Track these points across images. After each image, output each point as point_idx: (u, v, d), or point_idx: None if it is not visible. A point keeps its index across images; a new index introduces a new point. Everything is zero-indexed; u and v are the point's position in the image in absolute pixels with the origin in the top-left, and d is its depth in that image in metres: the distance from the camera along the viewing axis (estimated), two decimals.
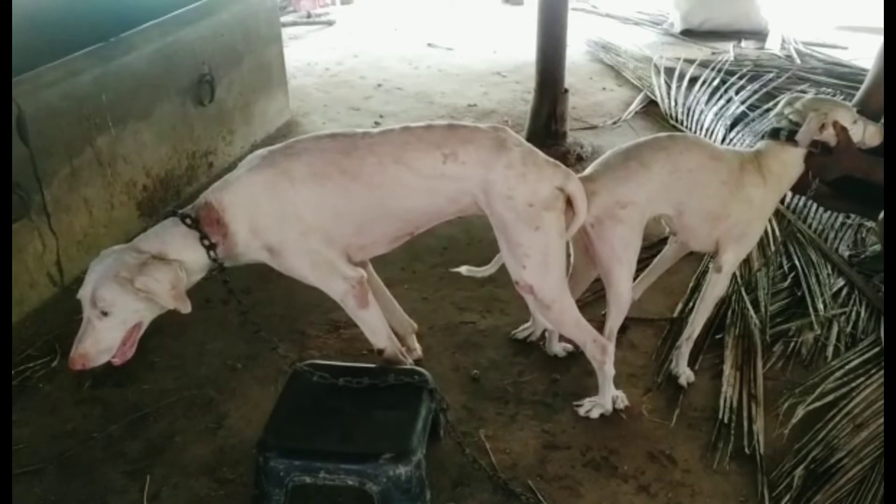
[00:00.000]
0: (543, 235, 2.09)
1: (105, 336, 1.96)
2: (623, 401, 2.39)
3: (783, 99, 2.54)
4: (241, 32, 4.10)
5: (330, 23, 7.08)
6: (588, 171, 2.32)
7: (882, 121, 2.61)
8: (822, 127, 2.33)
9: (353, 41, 6.57)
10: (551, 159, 2.16)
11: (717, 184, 2.30)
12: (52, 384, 2.53)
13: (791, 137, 2.35)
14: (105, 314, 1.93)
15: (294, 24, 6.93)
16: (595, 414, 2.36)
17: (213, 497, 2.11)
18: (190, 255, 2.02)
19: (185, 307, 1.99)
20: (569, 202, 2.13)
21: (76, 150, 2.97)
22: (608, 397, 2.36)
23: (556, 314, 2.23)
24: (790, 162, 2.38)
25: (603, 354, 2.30)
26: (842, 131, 2.34)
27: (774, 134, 2.39)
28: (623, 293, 2.32)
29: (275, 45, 4.49)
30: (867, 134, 2.42)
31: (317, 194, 2.05)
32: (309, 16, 7.19)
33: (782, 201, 3.48)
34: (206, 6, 3.84)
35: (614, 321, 2.36)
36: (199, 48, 3.72)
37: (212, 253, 2.03)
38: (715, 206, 2.33)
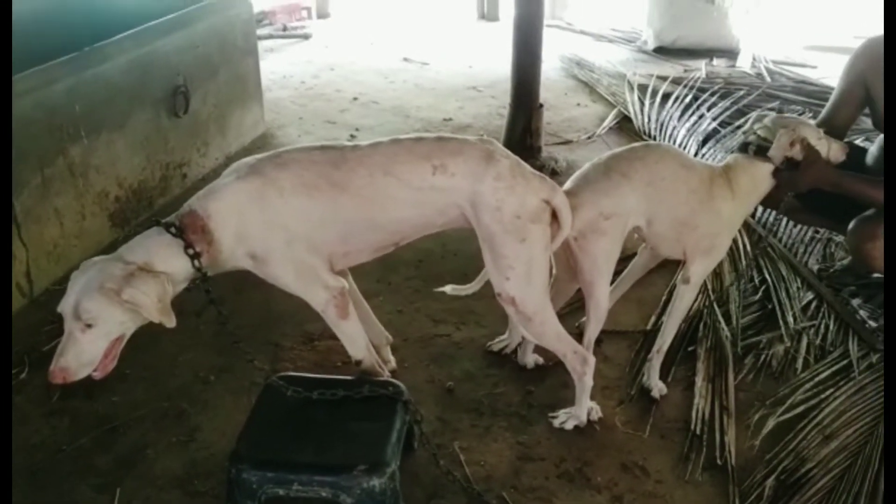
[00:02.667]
0: (529, 248, 2.11)
1: (87, 349, 1.92)
2: (597, 412, 2.40)
3: (752, 117, 2.59)
4: (217, 44, 4.09)
5: (306, 36, 7.08)
6: (569, 184, 2.34)
7: (845, 139, 2.68)
8: (792, 143, 2.38)
9: (329, 55, 6.58)
10: (538, 172, 2.18)
11: (687, 192, 2.34)
12: (21, 396, 2.49)
13: (759, 152, 2.39)
14: (89, 326, 1.90)
15: (270, 37, 6.92)
16: (570, 425, 2.37)
17: None
18: (175, 265, 2.01)
19: (171, 321, 1.97)
20: (554, 215, 2.15)
21: (48, 159, 2.94)
22: (584, 409, 2.37)
23: (537, 326, 2.24)
24: (759, 177, 2.43)
25: (583, 366, 2.31)
26: (808, 147, 2.40)
27: (743, 148, 2.44)
28: (602, 304, 2.35)
29: (250, 58, 4.48)
30: (832, 151, 2.48)
31: (305, 204, 2.05)
32: (285, 29, 7.19)
33: (753, 216, 3.55)
34: (181, 17, 3.82)
35: (593, 331, 2.38)
36: (175, 59, 3.71)
37: (196, 262, 2.02)
38: (683, 214, 2.36)
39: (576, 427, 2.37)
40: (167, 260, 1.99)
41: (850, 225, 2.76)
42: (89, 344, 1.92)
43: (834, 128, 2.63)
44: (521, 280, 2.14)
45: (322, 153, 2.12)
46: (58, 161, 3.00)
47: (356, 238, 2.15)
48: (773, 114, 2.56)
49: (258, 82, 4.60)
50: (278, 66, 6.16)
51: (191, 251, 2.01)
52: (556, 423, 2.39)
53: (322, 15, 7.79)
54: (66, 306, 1.91)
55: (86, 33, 3.30)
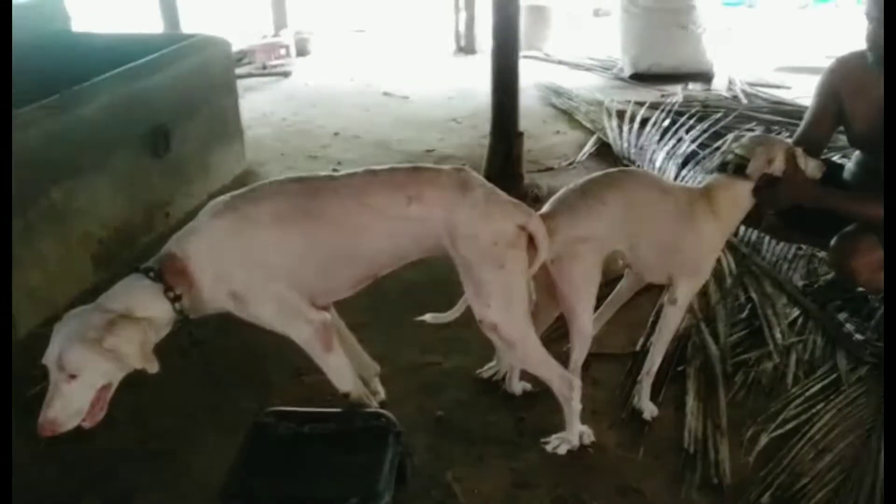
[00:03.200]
0: (507, 274, 2.10)
1: (74, 399, 1.90)
2: (589, 436, 2.39)
3: (730, 138, 2.62)
4: (197, 83, 4.10)
5: (286, 74, 7.14)
6: (545, 208, 2.34)
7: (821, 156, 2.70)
8: (769, 161, 2.40)
9: (309, 91, 6.62)
10: (513, 199, 2.19)
11: (666, 217, 2.35)
12: None
13: (738, 171, 2.42)
14: (73, 377, 1.88)
15: (250, 75, 6.96)
16: (563, 450, 2.36)
17: None
18: (156, 309, 1.99)
19: (153, 367, 1.96)
20: (531, 240, 2.15)
21: (29, 203, 2.93)
22: (575, 432, 2.36)
23: (521, 352, 2.23)
24: (739, 196, 2.44)
25: (570, 390, 2.30)
26: (789, 163, 2.42)
27: (722, 168, 2.47)
28: (585, 328, 2.34)
29: (230, 96, 4.50)
30: (809, 169, 2.50)
31: (281, 237, 2.04)
32: (265, 67, 7.24)
33: (736, 235, 3.57)
34: (160, 58, 3.84)
35: (578, 355, 2.37)
36: (155, 99, 3.72)
37: (177, 305, 2.00)
38: (665, 238, 2.38)
39: (569, 451, 2.36)
40: (148, 305, 1.98)
41: (832, 242, 2.77)
42: (75, 394, 1.90)
43: (810, 145, 2.66)
44: (503, 306, 2.13)
45: (297, 184, 2.12)
46: (40, 204, 2.98)
47: (334, 272, 2.14)
48: (748, 134, 2.59)
49: (238, 120, 4.62)
50: (258, 103, 6.18)
51: (171, 294, 2.00)
52: (549, 448, 2.37)
53: (302, 52, 7.85)
54: (49, 358, 1.90)
55: (63, 76, 3.31)
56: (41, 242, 2.99)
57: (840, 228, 2.72)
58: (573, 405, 2.32)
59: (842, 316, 2.98)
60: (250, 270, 2.04)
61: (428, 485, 2.09)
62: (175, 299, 2.00)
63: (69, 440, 2.43)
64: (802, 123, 2.87)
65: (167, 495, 2.25)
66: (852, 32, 2.68)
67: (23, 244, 2.90)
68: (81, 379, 1.89)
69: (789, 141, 2.62)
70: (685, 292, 2.46)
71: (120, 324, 1.91)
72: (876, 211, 2.29)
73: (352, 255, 2.11)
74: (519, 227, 2.11)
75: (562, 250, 2.24)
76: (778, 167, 2.42)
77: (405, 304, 3.19)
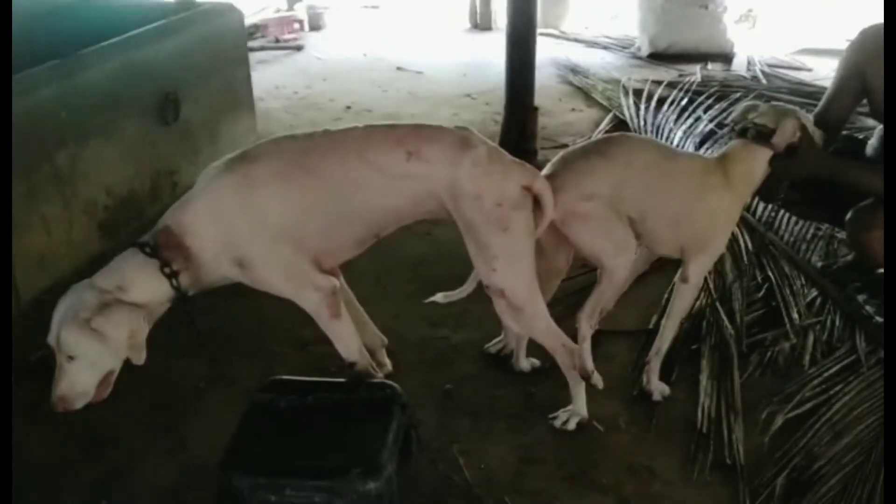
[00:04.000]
0: (513, 236, 2.04)
1: (78, 380, 1.88)
2: (599, 382, 2.35)
3: (740, 106, 2.53)
4: (208, 52, 4.03)
5: (298, 48, 7.05)
6: (548, 169, 2.28)
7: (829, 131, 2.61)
8: (795, 131, 2.33)
9: (322, 66, 6.54)
10: (517, 159, 2.12)
11: (674, 185, 2.29)
12: None
13: (759, 137, 2.33)
14: (71, 358, 1.85)
15: (262, 48, 6.88)
16: (572, 424, 2.30)
17: None
18: (152, 287, 1.95)
19: (140, 358, 1.92)
20: (536, 202, 2.08)
21: (34, 166, 2.88)
22: (582, 404, 2.31)
23: (527, 318, 2.16)
24: (755, 165, 2.36)
25: (572, 359, 2.24)
26: (804, 134, 2.35)
27: (742, 133, 2.38)
28: (617, 273, 2.28)
29: (242, 67, 4.42)
30: (815, 136, 2.43)
31: (281, 195, 1.98)
32: (277, 41, 7.16)
33: (754, 214, 3.50)
34: (171, 25, 3.78)
35: (599, 297, 2.33)
36: (164, 66, 3.65)
37: (174, 281, 1.95)
38: (676, 208, 2.31)
39: (579, 428, 2.30)
40: (143, 283, 1.94)
41: (848, 215, 2.69)
42: (78, 375, 1.88)
43: (829, 120, 2.58)
44: (509, 270, 2.07)
45: (292, 141, 2.07)
46: (44, 168, 2.93)
47: (336, 231, 2.08)
48: (759, 102, 2.50)
49: (249, 91, 4.54)
50: (270, 77, 6.11)
51: (167, 270, 1.94)
52: (558, 423, 2.32)
53: (315, 27, 7.76)
54: (51, 338, 1.87)
55: (73, 40, 3.25)
56: (45, 206, 2.94)
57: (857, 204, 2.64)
58: (575, 375, 2.27)
59: (861, 297, 2.89)
60: (253, 234, 1.98)
61: (434, 458, 2.04)
62: (172, 275, 1.94)
63: None
64: (824, 98, 2.79)
65: (167, 465, 2.21)
66: (875, 17, 2.59)
67: (26, 207, 2.85)
68: (79, 361, 1.86)
69: (802, 111, 2.52)
70: (697, 269, 2.39)
71: (115, 307, 1.87)
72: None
73: (352, 213, 2.05)
74: (524, 188, 2.05)
75: (568, 210, 2.18)
76: (797, 137, 2.34)
77: (414, 277, 3.15)
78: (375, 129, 2.07)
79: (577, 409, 2.31)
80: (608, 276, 2.28)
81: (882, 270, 2.84)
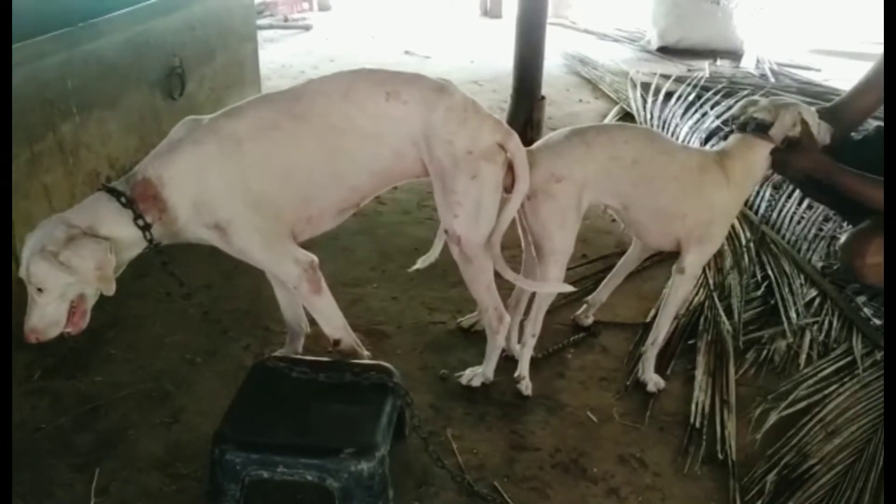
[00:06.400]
0: (479, 185, 2.08)
1: (48, 311, 1.91)
2: (528, 388, 2.38)
3: (742, 101, 2.52)
4: (216, 27, 4.01)
5: (307, 28, 7.03)
6: (533, 146, 2.30)
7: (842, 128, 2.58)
8: (794, 124, 2.32)
9: (329, 46, 6.52)
10: (495, 116, 2.17)
11: (666, 179, 2.28)
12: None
13: (759, 130, 2.32)
14: (40, 290, 1.87)
15: (270, 27, 6.86)
16: (477, 382, 2.40)
17: (164, 492, 2.02)
18: (122, 233, 1.95)
19: (109, 289, 1.93)
20: (511, 168, 2.12)
21: (37, 135, 2.86)
22: (491, 368, 2.39)
23: (474, 270, 2.22)
24: (755, 159, 2.35)
25: (499, 323, 2.31)
26: (805, 130, 2.34)
27: (742, 127, 2.37)
28: (548, 275, 2.28)
29: (249, 44, 4.41)
30: (820, 132, 2.41)
31: (265, 149, 2.00)
32: (286, 20, 7.14)
33: (756, 212, 3.49)
34: None
35: (526, 287, 2.37)
36: (171, 40, 3.63)
37: (147, 234, 1.95)
38: (666, 203, 2.30)
39: (572, 417, 2.31)
40: (113, 228, 1.94)
41: (842, 240, 2.71)
42: (47, 306, 1.91)
43: (849, 111, 2.54)
44: (470, 219, 2.12)
45: (281, 93, 2.13)
46: (48, 137, 2.91)
47: (317, 195, 2.10)
48: (761, 98, 2.48)
49: (256, 69, 4.53)
50: (278, 55, 6.10)
51: (140, 222, 1.94)
52: (464, 380, 2.41)
53: (323, 7, 7.75)
54: (21, 271, 1.90)
55: (81, 9, 3.23)
56: (47, 175, 2.93)
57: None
58: (498, 340, 2.34)
59: (860, 299, 2.89)
60: (232, 197, 1.98)
61: (427, 441, 2.04)
62: (145, 227, 1.95)
63: (64, 375, 2.44)
64: (850, 89, 2.74)
65: (160, 436, 2.21)
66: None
67: (29, 176, 2.84)
68: (47, 292, 1.89)
69: (807, 106, 2.49)
70: (694, 261, 2.39)
71: (79, 240, 1.88)
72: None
73: (335, 168, 2.08)
74: (497, 144, 2.09)
75: (537, 186, 2.20)
76: (797, 131, 2.33)
77: (412, 262, 3.12)
78: (360, 72, 2.14)
79: (485, 371, 2.40)
80: (542, 275, 2.30)
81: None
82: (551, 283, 2.31)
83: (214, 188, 1.98)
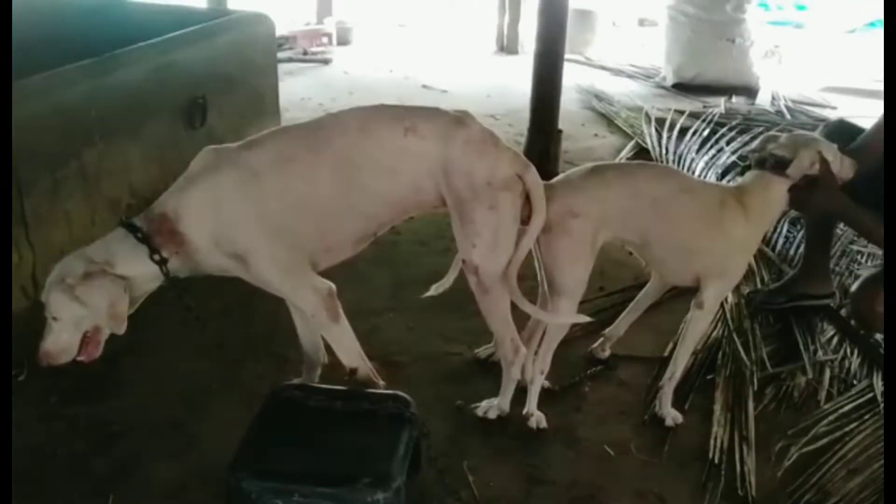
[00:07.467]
0: (497, 216, 2.09)
1: (61, 338, 1.96)
2: (541, 421, 2.36)
3: (761, 137, 2.52)
4: (237, 60, 4.07)
5: (326, 61, 7.12)
6: (551, 181, 2.31)
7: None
8: (812, 163, 2.31)
9: (348, 80, 6.60)
10: (513, 148, 2.19)
11: (687, 217, 2.28)
12: (18, 398, 2.41)
13: (777, 166, 2.32)
14: (55, 318, 1.92)
15: (290, 60, 6.95)
16: (492, 415, 2.38)
17: None
18: (138, 270, 1.99)
19: (120, 328, 1.97)
20: (528, 200, 2.13)
21: (60, 161, 2.91)
22: (507, 399, 2.38)
23: (491, 301, 2.21)
24: (773, 195, 2.35)
25: (515, 355, 2.29)
26: (823, 164, 2.33)
27: (760, 163, 2.37)
28: (561, 311, 2.28)
29: (270, 76, 4.46)
30: (843, 167, 2.39)
31: (282, 181, 2.02)
32: (305, 53, 7.23)
33: (774, 249, 3.48)
34: (202, 30, 3.82)
35: (543, 318, 2.34)
36: (194, 71, 3.69)
37: (164, 268, 1.98)
38: (686, 239, 2.30)
39: (589, 451, 2.28)
40: (128, 265, 1.98)
41: (853, 287, 2.73)
42: (60, 333, 1.96)
43: (872, 149, 2.52)
44: (487, 248, 2.12)
45: (300, 126, 2.16)
46: (70, 164, 2.96)
47: (334, 227, 2.12)
48: (781, 134, 2.48)
49: (276, 101, 4.58)
50: (297, 88, 6.17)
51: (156, 257, 1.97)
52: (479, 412, 2.39)
53: (343, 42, 7.83)
54: (43, 297, 1.96)
55: (106, 40, 3.29)
56: (68, 201, 2.96)
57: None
58: (513, 372, 2.32)
59: (879, 336, 2.86)
60: (250, 228, 2.01)
61: (443, 472, 2.02)
62: (161, 262, 1.97)
63: (80, 400, 2.44)
64: (875, 125, 2.72)
65: (174, 464, 2.20)
66: None
67: (51, 203, 2.88)
68: (61, 321, 1.94)
69: (829, 143, 2.48)
70: (713, 295, 2.38)
71: (96, 277, 1.93)
72: None
73: (352, 200, 2.09)
74: (515, 175, 2.11)
75: (553, 221, 2.20)
76: (816, 168, 2.33)
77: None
78: (377, 107, 2.16)
79: (501, 403, 2.38)
80: (554, 314, 2.30)
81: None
82: (568, 314, 2.30)
83: (233, 219, 2.01)
